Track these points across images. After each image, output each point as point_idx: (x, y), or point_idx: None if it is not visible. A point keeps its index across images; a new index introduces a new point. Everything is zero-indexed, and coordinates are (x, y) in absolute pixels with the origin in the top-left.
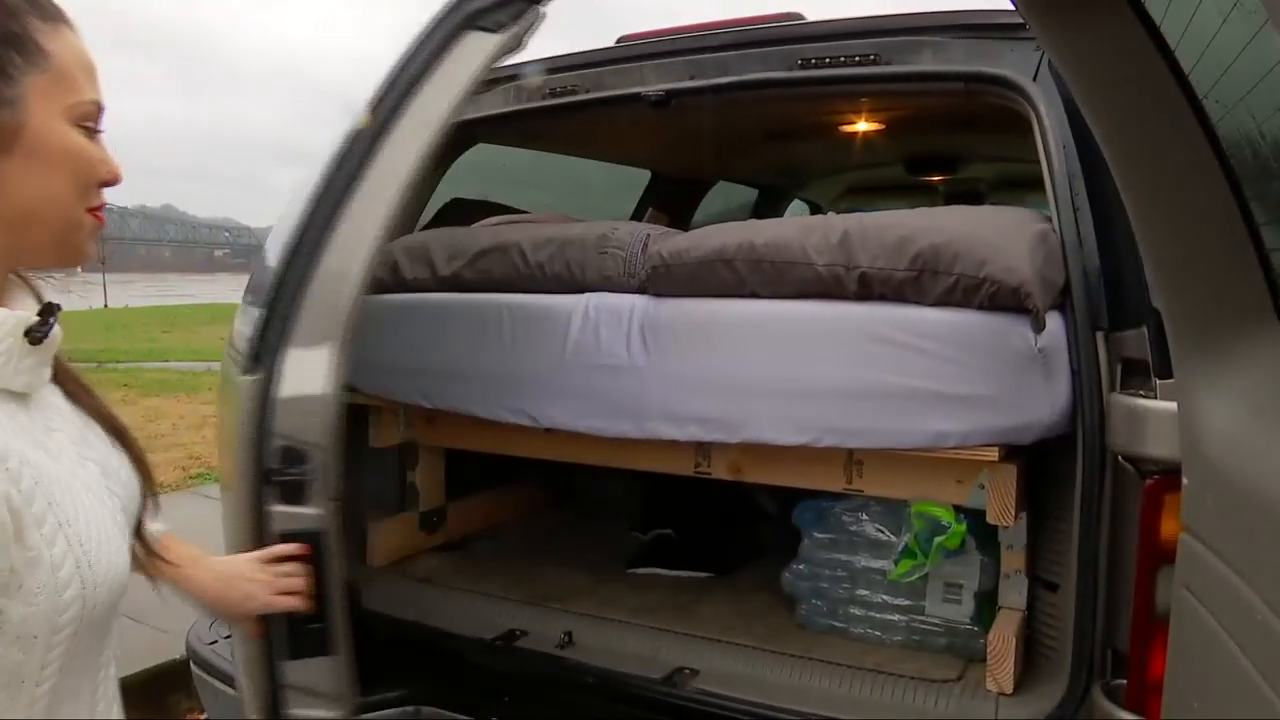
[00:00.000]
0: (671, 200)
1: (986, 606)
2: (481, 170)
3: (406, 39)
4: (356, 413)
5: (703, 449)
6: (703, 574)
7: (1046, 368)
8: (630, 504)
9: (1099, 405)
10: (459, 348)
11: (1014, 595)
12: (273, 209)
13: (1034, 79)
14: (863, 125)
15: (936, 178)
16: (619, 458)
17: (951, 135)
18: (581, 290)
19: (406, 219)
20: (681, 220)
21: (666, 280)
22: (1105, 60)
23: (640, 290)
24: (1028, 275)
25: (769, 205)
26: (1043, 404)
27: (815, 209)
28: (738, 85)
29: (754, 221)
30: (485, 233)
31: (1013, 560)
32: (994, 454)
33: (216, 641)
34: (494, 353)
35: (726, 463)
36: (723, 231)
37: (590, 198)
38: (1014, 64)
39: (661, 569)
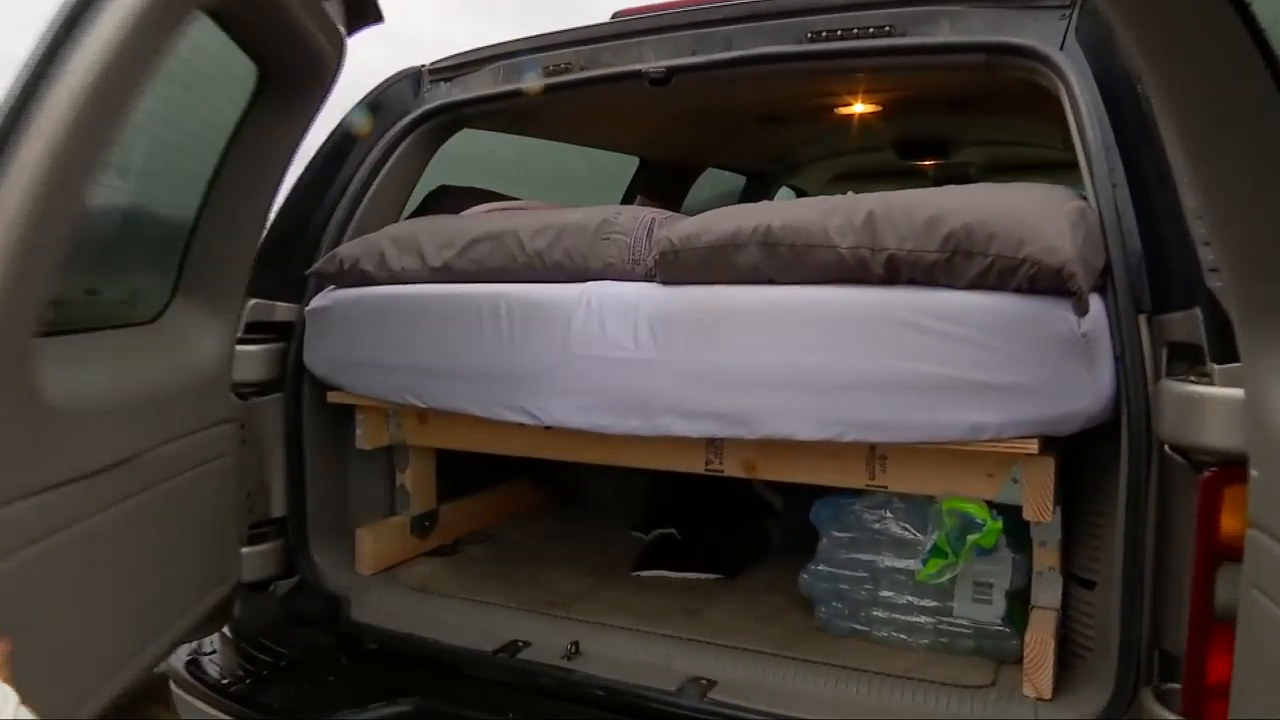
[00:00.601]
0: (661, 187)
1: (1018, 606)
2: (463, 162)
3: None
4: (342, 413)
5: (714, 445)
6: (711, 575)
7: (1089, 354)
8: (630, 501)
9: (1145, 392)
10: (452, 342)
11: (1048, 593)
12: None
13: (1060, 49)
14: (869, 105)
15: (928, 162)
16: (625, 456)
17: (955, 116)
18: (583, 279)
19: (387, 206)
20: (671, 208)
21: (676, 267)
22: (1176, 24)
23: (646, 278)
24: (1070, 255)
25: (758, 192)
26: (1085, 392)
27: (802, 195)
28: (744, 61)
29: (767, 203)
30: (478, 220)
31: (1046, 557)
32: (1033, 446)
33: (195, 660)
34: (490, 347)
35: (740, 460)
36: (735, 214)
37: (572, 189)
38: (1038, 33)
39: (668, 571)
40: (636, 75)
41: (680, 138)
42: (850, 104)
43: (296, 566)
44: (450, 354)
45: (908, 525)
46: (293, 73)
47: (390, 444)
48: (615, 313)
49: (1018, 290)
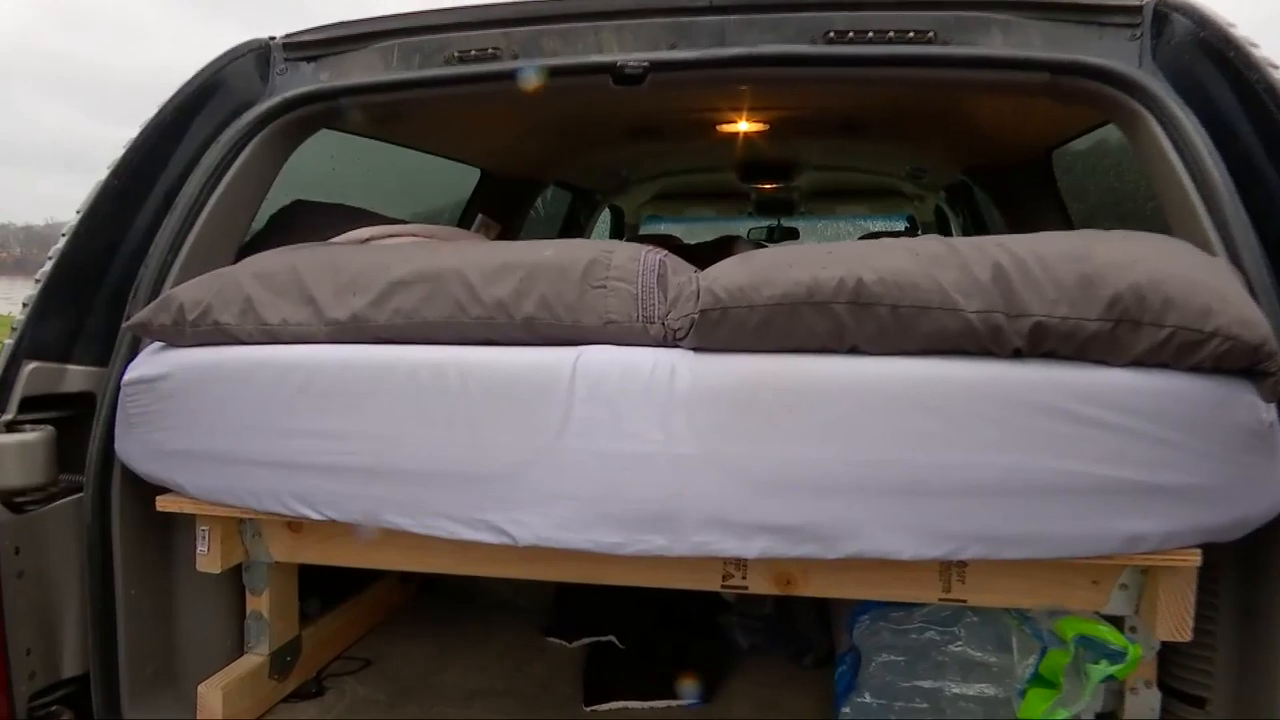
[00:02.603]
0: (503, 205)
1: None
2: None
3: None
4: (169, 522)
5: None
6: (685, 701)
7: (1272, 446)
8: (526, 590)
9: None
10: (372, 429)
11: (1145, 711)
12: None
13: (1138, 68)
14: (755, 124)
15: (767, 185)
16: (608, 573)
17: (831, 139)
18: (568, 341)
19: (229, 227)
20: (511, 234)
21: (722, 330)
22: None
23: (664, 342)
24: (1268, 329)
25: (585, 212)
26: (1266, 492)
27: (618, 215)
28: (746, 60)
29: (826, 245)
30: (394, 255)
31: (1142, 669)
32: (1196, 558)
33: None
34: (436, 435)
35: (771, 574)
36: (798, 261)
37: (396, 205)
38: (1107, 53)
39: (630, 700)
40: (604, 69)
41: (531, 148)
42: (735, 121)
43: None
44: (370, 445)
45: (986, 644)
46: None
47: (244, 562)
48: (631, 390)
49: (1194, 369)
